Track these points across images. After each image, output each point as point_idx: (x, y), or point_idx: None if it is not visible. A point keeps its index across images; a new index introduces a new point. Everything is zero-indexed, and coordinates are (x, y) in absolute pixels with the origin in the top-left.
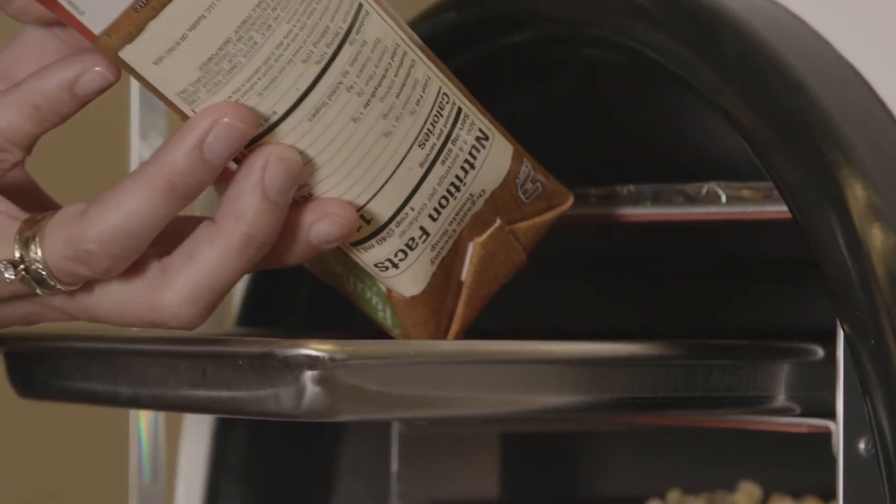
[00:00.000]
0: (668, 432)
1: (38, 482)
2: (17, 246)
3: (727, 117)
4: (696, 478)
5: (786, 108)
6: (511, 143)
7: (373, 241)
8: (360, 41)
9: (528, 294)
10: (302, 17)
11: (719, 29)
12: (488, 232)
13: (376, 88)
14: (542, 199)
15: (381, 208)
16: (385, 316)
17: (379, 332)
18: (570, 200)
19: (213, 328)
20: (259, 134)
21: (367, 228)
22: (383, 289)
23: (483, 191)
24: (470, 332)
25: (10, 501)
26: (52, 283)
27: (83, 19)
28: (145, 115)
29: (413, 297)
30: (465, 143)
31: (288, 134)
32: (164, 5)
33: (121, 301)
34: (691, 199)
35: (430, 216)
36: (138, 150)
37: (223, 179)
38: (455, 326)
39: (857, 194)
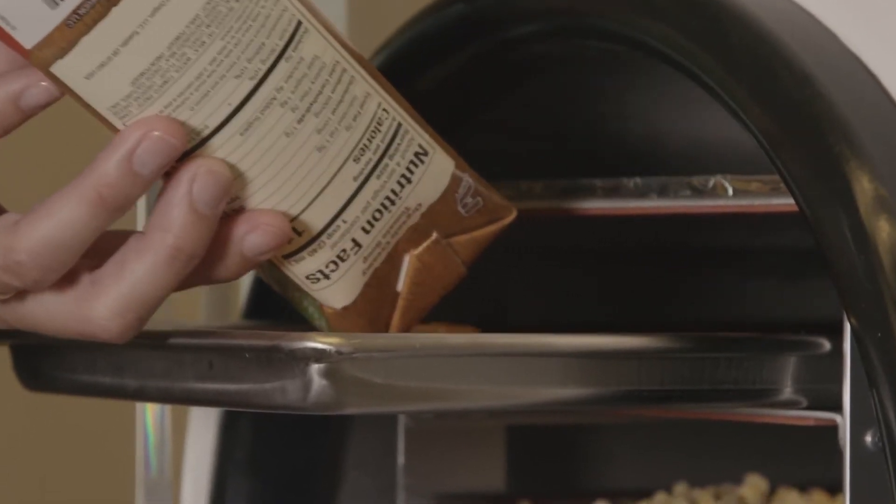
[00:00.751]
0: (675, 425)
1: (45, 475)
2: None
3: (733, 110)
4: (703, 471)
5: (792, 101)
6: (452, 158)
7: (304, 253)
8: (297, 58)
9: (533, 286)
10: (237, 34)
11: (726, 21)
12: (425, 245)
13: (311, 104)
14: (483, 213)
15: (313, 220)
16: (321, 325)
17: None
18: (513, 215)
19: (218, 321)
20: (190, 148)
21: (299, 240)
22: (317, 300)
23: (420, 204)
24: (476, 326)
25: (16, 494)
26: None
27: (15, 34)
28: None
29: (345, 308)
30: (403, 159)
31: (219, 148)
32: (96, 21)
33: (52, 311)
34: (698, 192)
35: (363, 228)
36: None
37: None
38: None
39: (863, 187)
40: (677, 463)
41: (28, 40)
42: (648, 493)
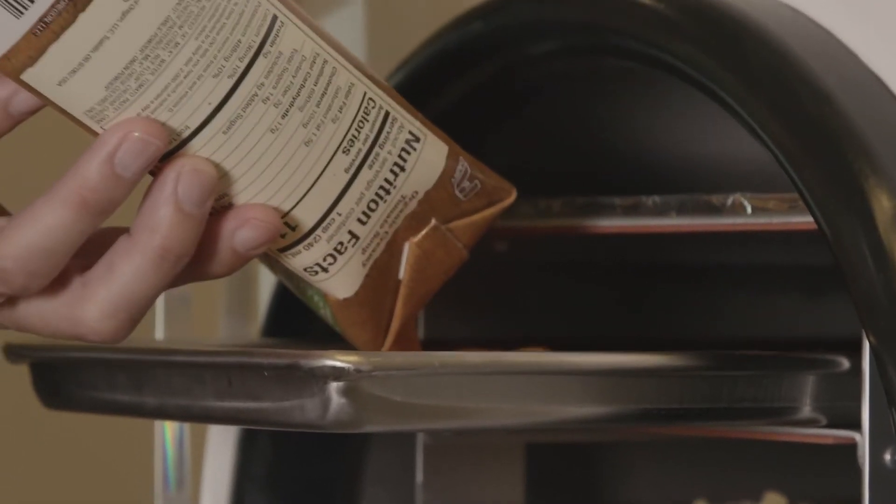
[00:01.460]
0: (693, 443)
1: (64, 492)
2: None
3: (752, 127)
4: (721, 488)
5: (810, 118)
6: (446, 143)
7: (299, 247)
8: (276, 53)
9: (552, 302)
10: (211, 33)
11: (745, 39)
12: (424, 232)
13: (294, 98)
14: (482, 196)
15: (306, 215)
16: (326, 314)
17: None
18: (513, 196)
19: (238, 338)
20: (172, 148)
21: (293, 235)
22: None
23: (416, 192)
24: (494, 342)
25: None
26: None
27: None
28: None
29: (347, 299)
30: (394, 147)
31: (203, 147)
32: (64, 28)
33: (44, 314)
34: (717, 210)
35: (359, 220)
36: None
37: None
38: (395, 325)
39: (882, 204)
40: (696, 480)
41: None
42: None
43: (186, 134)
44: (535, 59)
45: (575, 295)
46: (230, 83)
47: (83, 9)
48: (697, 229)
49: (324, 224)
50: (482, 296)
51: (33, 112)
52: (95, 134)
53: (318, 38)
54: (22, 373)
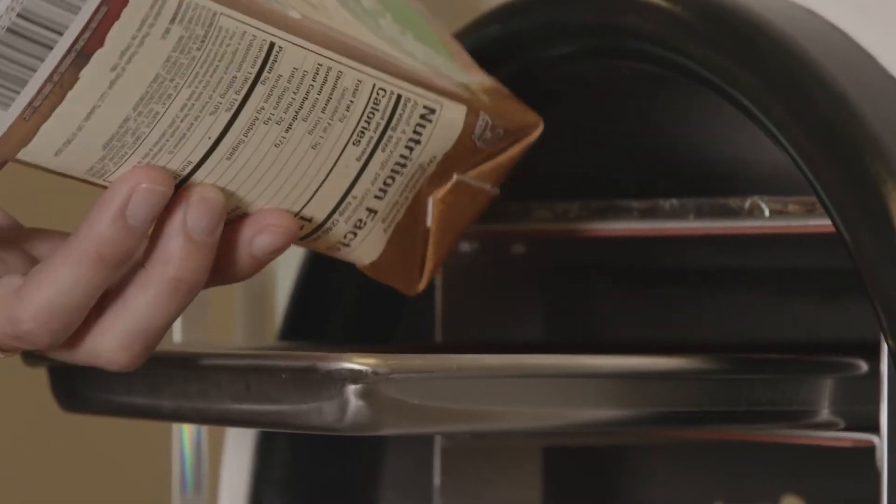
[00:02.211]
0: (711, 446)
1: (81, 494)
2: None
3: (770, 130)
4: (739, 492)
5: (828, 121)
6: (464, 103)
7: (318, 234)
8: (274, 77)
9: (569, 305)
10: (204, 77)
11: (762, 42)
12: (446, 188)
13: (298, 111)
14: (506, 138)
15: (320, 207)
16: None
17: (423, 345)
18: (539, 128)
19: (254, 341)
20: (178, 182)
21: (310, 226)
22: None
23: (434, 157)
24: (512, 345)
25: None
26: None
27: None
28: None
29: (373, 263)
30: (408, 126)
31: (208, 175)
32: (53, 108)
33: (62, 349)
34: (734, 213)
35: (376, 196)
36: None
37: None
38: (428, 267)
39: None
40: (713, 484)
41: None
42: None
43: (189, 169)
44: (551, 62)
45: (592, 298)
46: (228, 116)
47: (70, 87)
48: (715, 232)
49: (340, 209)
50: (500, 299)
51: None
52: (100, 186)
53: (319, 47)
54: (40, 376)
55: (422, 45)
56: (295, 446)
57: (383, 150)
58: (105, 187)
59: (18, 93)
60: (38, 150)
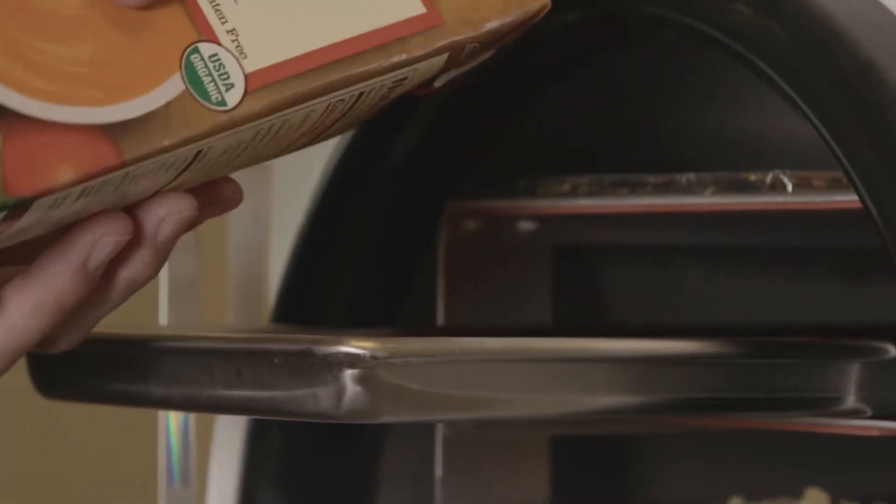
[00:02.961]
0: (729, 435)
1: (63, 487)
2: None
3: (793, 99)
4: (759, 484)
5: (856, 90)
6: (448, 49)
7: None
8: (209, 158)
9: (579, 286)
10: (132, 190)
11: (785, 6)
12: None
13: (240, 154)
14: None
15: None
16: None
17: (424, 328)
18: (546, 7)
19: (247, 324)
20: None
21: None
22: None
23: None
24: (519, 328)
25: None
26: None
27: None
28: None
29: None
30: (375, 97)
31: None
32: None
33: None
34: (755, 188)
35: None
36: None
37: None
38: None
39: None
40: (732, 475)
41: None
42: None
43: None
44: (564, 30)
45: (603, 279)
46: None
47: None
48: (734, 208)
49: None
50: (506, 279)
51: None
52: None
53: (259, 120)
54: (20, 363)
55: None
56: (289, 435)
57: (348, 118)
58: None
59: None
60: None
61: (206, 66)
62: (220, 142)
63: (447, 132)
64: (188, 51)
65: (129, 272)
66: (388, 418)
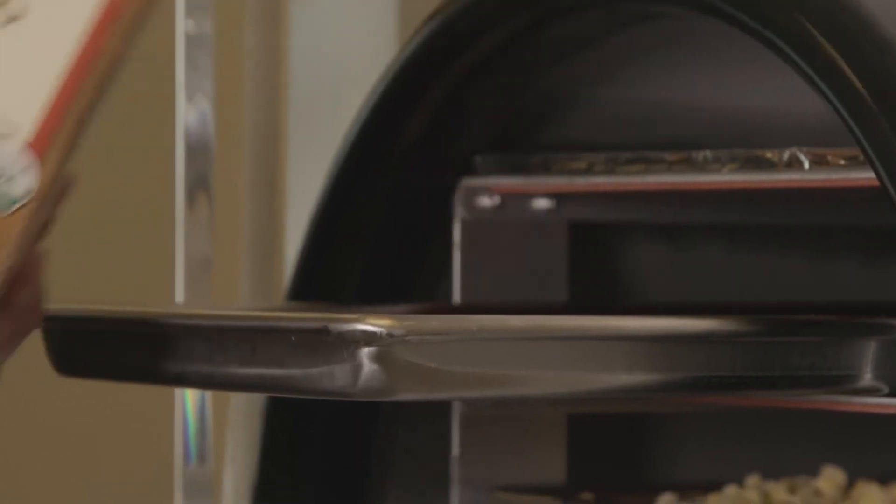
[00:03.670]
0: (746, 414)
1: (80, 466)
2: None
3: (810, 77)
4: (776, 463)
5: (873, 68)
6: None
7: None
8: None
9: (595, 264)
10: None
11: None
12: None
13: None
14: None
15: None
16: None
17: (440, 305)
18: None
19: (262, 303)
20: None
21: None
22: None
23: None
24: (535, 306)
25: (51, 487)
26: None
27: None
28: (191, 78)
29: None
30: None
31: None
32: None
33: None
34: (772, 165)
35: None
36: (184, 113)
37: None
38: None
39: None
40: (749, 454)
41: None
42: (718, 486)
43: None
44: (571, 9)
45: (619, 256)
46: None
47: None
48: (751, 186)
49: None
50: (522, 257)
51: None
52: None
53: None
54: (37, 341)
55: None
56: (304, 413)
57: None
58: None
59: None
60: None
61: None
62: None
63: (461, 108)
64: None
65: None
66: (404, 396)
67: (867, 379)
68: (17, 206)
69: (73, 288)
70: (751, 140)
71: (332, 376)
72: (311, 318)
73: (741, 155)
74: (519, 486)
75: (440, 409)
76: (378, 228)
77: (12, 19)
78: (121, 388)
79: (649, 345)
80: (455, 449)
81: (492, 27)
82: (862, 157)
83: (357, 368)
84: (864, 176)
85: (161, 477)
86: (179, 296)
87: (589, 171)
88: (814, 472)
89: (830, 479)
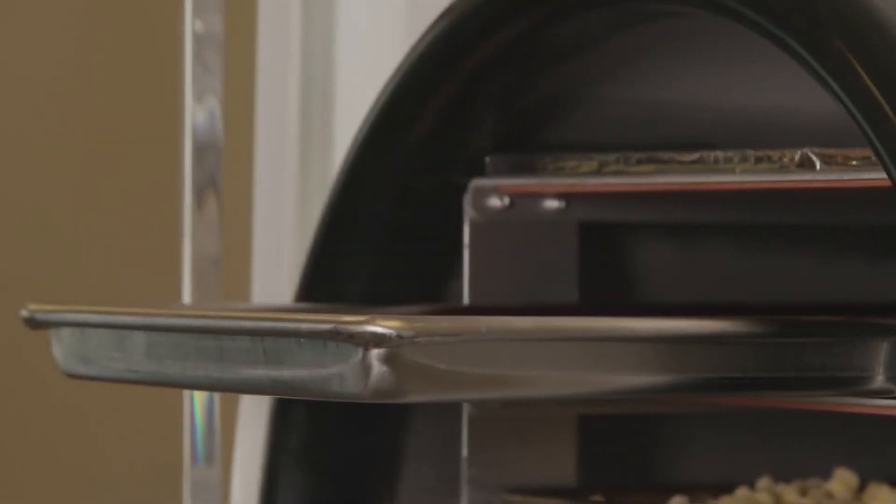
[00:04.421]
0: (758, 415)
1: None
2: None
3: (822, 77)
4: (787, 464)
5: (884, 68)
6: None
7: None
8: None
9: (606, 265)
10: None
11: None
12: None
13: None
14: None
15: None
16: None
17: (449, 307)
18: None
19: (271, 303)
20: None
21: None
22: None
23: None
24: (546, 307)
25: (59, 487)
26: None
27: None
28: (199, 77)
29: None
30: None
31: None
32: None
33: None
34: (784, 166)
35: None
36: (192, 113)
37: None
38: None
39: None
40: (760, 456)
41: None
42: (730, 489)
43: None
44: (581, 6)
45: (630, 257)
46: None
47: None
48: (762, 186)
49: None
50: (532, 257)
51: None
52: None
53: None
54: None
55: None
56: (314, 415)
57: None
58: None
59: None
60: None
61: None
62: None
63: (470, 109)
64: None
65: None
66: (413, 398)
67: (879, 380)
68: None
69: (80, 287)
70: (762, 140)
71: (341, 378)
72: (320, 319)
73: (752, 155)
74: (529, 487)
75: (450, 410)
76: (387, 229)
77: None
78: (128, 389)
79: (660, 346)
80: (465, 450)
81: (502, 26)
82: (874, 158)
83: (367, 370)
84: (876, 176)
85: (169, 478)
86: (187, 296)
87: (599, 171)
88: (825, 473)
89: (842, 480)
